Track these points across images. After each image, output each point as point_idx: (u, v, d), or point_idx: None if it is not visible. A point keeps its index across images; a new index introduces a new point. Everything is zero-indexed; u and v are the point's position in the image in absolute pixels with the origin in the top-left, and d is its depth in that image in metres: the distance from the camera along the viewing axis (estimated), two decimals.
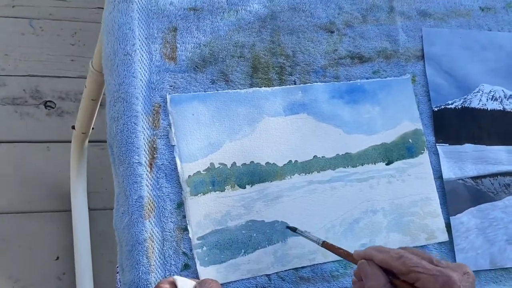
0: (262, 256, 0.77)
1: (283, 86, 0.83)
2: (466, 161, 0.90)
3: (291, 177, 0.80)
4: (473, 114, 0.92)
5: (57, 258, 1.35)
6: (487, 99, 0.94)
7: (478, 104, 0.93)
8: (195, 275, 0.73)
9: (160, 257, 0.73)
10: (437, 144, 0.89)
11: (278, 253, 0.77)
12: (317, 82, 0.84)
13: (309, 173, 0.81)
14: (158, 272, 0.72)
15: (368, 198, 0.83)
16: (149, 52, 0.78)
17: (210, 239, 0.75)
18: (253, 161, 0.79)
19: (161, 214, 0.74)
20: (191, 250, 0.74)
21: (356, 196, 0.83)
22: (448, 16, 0.94)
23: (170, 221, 0.74)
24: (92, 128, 1.23)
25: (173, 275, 0.72)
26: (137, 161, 0.74)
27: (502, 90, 0.95)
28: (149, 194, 0.74)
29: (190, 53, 0.79)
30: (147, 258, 0.72)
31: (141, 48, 0.77)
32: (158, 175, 0.75)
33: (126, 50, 0.76)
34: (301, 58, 0.84)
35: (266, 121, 0.81)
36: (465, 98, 0.93)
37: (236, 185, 0.78)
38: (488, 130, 0.93)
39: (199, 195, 0.76)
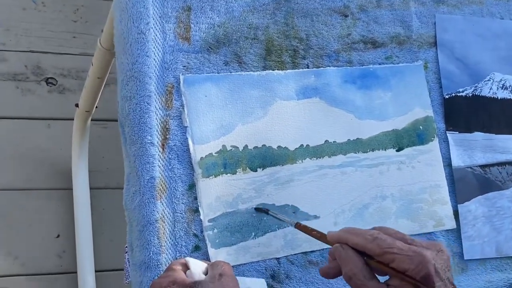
0: (272, 240, 0.76)
1: (296, 70, 0.82)
2: (475, 149, 0.90)
3: (302, 161, 0.80)
4: (483, 102, 0.92)
5: (58, 235, 1.34)
6: (498, 88, 0.94)
7: (489, 92, 0.93)
8: (205, 257, 0.73)
9: (171, 238, 0.73)
10: (447, 131, 0.89)
11: (288, 236, 0.77)
12: (330, 66, 0.84)
13: (320, 158, 0.81)
14: (169, 253, 0.72)
15: (378, 184, 0.83)
16: (163, 31, 0.77)
17: (221, 222, 0.75)
18: (265, 145, 0.79)
19: (173, 195, 0.74)
20: (201, 232, 0.74)
21: (366, 181, 0.83)
22: (461, 3, 0.94)
23: (182, 203, 0.74)
24: (96, 107, 1.21)
25: (184, 256, 0.72)
26: (149, 141, 0.73)
27: None
28: (161, 175, 0.73)
29: (204, 34, 0.79)
30: (158, 238, 0.72)
31: (155, 27, 0.76)
32: (170, 156, 0.74)
33: (140, 29, 0.75)
34: (315, 41, 0.84)
35: (279, 104, 0.81)
36: (476, 86, 0.92)
37: (247, 168, 0.77)
38: (497, 119, 0.93)
39: (211, 177, 0.75)
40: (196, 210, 0.74)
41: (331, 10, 0.85)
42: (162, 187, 0.73)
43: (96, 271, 1.28)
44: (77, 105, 1.23)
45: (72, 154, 1.32)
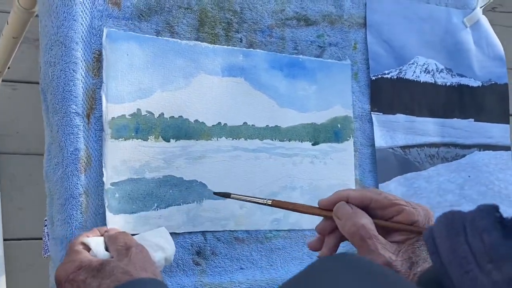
0: (175, 214, 0.75)
1: (225, 46, 0.80)
2: (397, 130, 0.93)
3: (217, 139, 0.79)
4: (407, 85, 0.95)
5: None
6: (421, 72, 0.96)
7: (412, 75, 0.95)
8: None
9: (95, 213, 0.70)
10: (372, 112, 0.91)
11: (191, 213, 0.76)
12: (262, 41, 0.83)
13: (236, 139, 0.80)
14: (92, 228, 0.69)
15: (290, 174, 0.83)
16: None
17: (124, 187, 0.72)
18: (181, 116, 0.77)
19: (98, 169, 0.71)
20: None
21: (278, 170, 0.82)
22: None
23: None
24: (8, 68, 1.15)
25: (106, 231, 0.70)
26: (74, 110, 0.70)
27: (435, 63, 0.97)
28: (86, 147, 0.70)
29: (135, 0, 0.75)
30: (81, 213, 0.69)
31: None
32: (96, 127, 0.71)
33: None
34: (249, 15, 0.82)
35: (202, 77, 0.79)
36: (400, 69, 0.94)
37: (160, 136, 0.75)
38: (419, 102, 0.96)
39: (120, 139, 0.72)
40: None
41: None
42: (87, 160, 0.70)
43: (4, 239, 1.22)
44: None
45: None
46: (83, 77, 0.71)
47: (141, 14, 0.75)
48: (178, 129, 0.76)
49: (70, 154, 0.69)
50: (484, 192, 0.98)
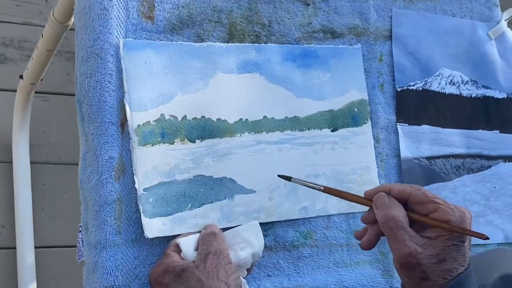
0: (209, 212, 0.77)
1: (237, 44, 0.82)
2: (422, 141, 0.94)
3: (241, 135, 0.81)
4: (432, 96, 0.96)
5: None
6: (446, 83, 0.97)
7: (438, 87, 0.96)
8: None
9: (128, 219, 0.72)
10: (397, 123, 0.92)
11: (224, 209, 0.78)
12: None
13: (258, 133, 0.82)
14: (126, 233, 0.72)
15: (312, 162, 0.85)
16: (127, 9, 0.75)
17: (156, 191, 0.74)
18: (204, 116, 0.79)
19: (132, 176, 0.73)
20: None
21: (301, 159, 0.84)
22: None
23: None
24: (41, 80, 1.18)
25: (142, 236, 0.72)
26: (109, 120, 0.72)
27: (460, 75, 0.99)
28: (120, 155, 0.73)
29: (168, 14, 0.78)
30: (115, 219, 0.71)
31: (118, 4, 0.74)
32: (130, 136, 0.73)
33: (103, 5, 0.73)
34: (277, 28, 0.84)
35: (219, 77, 0.81)
36: (426, 81, 0.96)
37: (186, 138, 0.77)
38: (444, 113, 0.97)
39: (148, 145, 0.74)
40: None
41: None
42: (121, 168, 0.72)
43: (35, 247, 1.25)
44: (21, 77, 1.19)
45: (13, 126, 1.27)
46: (117, 88, 0.73)
47: (173, 28, 0.78)
48: (202, 129, 0.78)
49: (105, 162, 0.72)
50: (510, 203, 0.99)
